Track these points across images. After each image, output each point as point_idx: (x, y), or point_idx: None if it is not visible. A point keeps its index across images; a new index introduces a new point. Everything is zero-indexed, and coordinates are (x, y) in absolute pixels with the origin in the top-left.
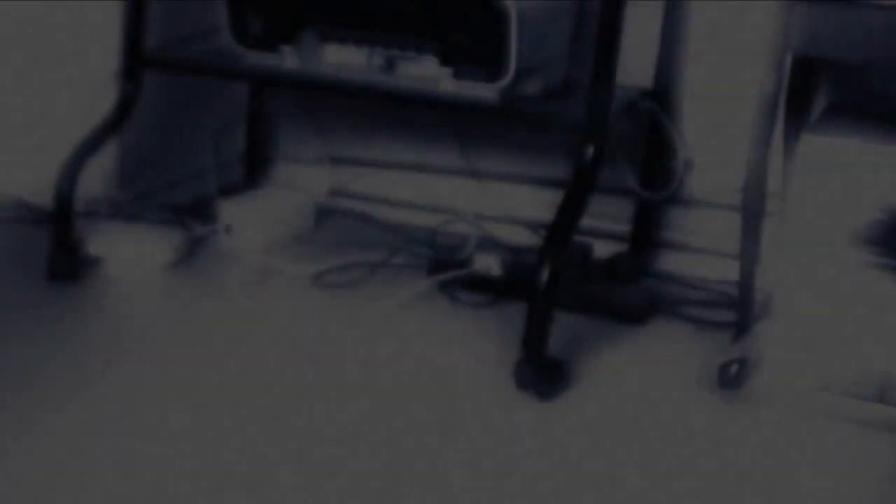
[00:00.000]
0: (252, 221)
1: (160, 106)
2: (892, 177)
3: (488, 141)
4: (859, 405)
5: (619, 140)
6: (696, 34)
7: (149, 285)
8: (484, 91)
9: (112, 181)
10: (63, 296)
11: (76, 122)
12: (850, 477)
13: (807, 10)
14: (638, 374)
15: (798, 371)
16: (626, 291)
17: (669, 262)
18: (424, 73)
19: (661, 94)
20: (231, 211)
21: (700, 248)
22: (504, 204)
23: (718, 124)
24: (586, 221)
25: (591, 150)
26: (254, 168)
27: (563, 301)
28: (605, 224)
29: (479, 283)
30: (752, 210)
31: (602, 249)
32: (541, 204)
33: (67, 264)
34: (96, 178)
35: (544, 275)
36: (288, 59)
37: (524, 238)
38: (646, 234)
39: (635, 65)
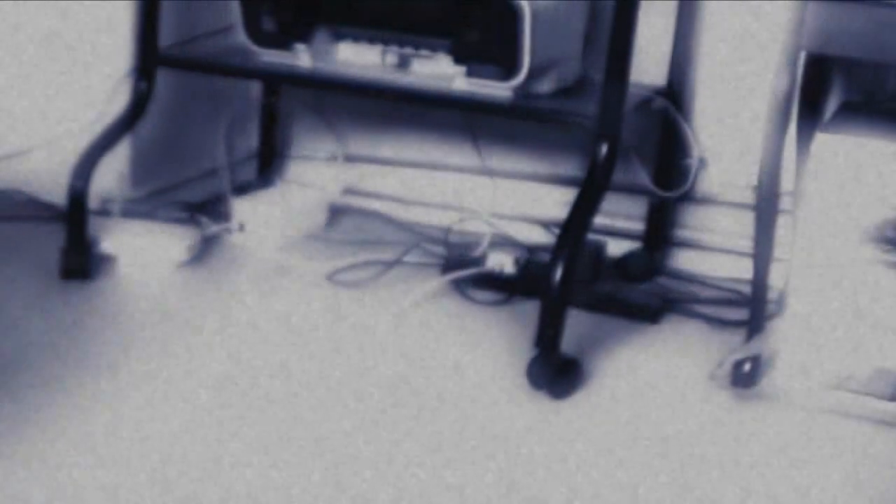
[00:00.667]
0: (265, 219)
1: (174, 104)
2: None
3: (501, 139)
4: (873, 403)
5: (633, 138)
6: (710, 32)
7: (162, 283)
8: (497, 89)
9: (125, 179)
10: (76, 294)
11: (90, 120)
12: (863, 475)
13: (821, 8)
14: (651, 372)
15: (811, 369)
16: (640, 290)
17: (683, 260)
18: (438, 71)
19: (675, 93)
20: (244, 209)
21: (713, 247)
22: (517, 202)
23: (732, 122)
24: (600, 220)
25: (604, 149)
26: (267, 166)
27: (577, 299)
28: (619, 222)
29: (493, 282)
30: (766, 208)
31: (615, 248)
32: (554, 202)
33: (80, 262)
34: (110, 176)
35: (558, 273)
36: (301, 58)
37: (537, 236)
38: (659, 232)
39: (649, 63)
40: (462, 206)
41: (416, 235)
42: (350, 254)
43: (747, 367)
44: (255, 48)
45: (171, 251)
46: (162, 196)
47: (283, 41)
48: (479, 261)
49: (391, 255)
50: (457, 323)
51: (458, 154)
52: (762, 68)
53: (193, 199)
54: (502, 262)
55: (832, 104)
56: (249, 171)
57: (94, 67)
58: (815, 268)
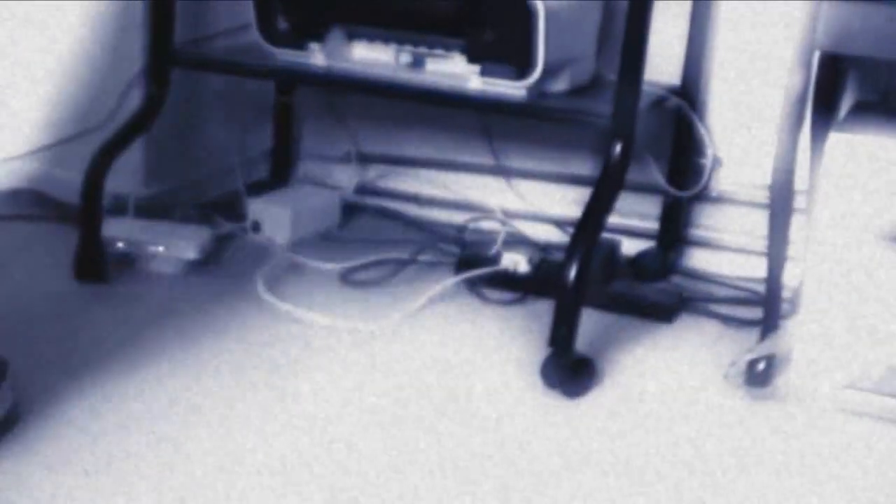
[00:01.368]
0: (279, 218)
1: (187, 103)
2: None
3: (516, 138)
4: (887, 402)
5: (647, 137)
6: (724, 32)
7: (176, 283)
8: (511, 88)
9: (139, 178)
10: (90, 293)
11: (104, 120)
12: (878, 474)
13: (835, 7)
14: (665, 371)
15: (825, 368)
16: (654, 289)
17: (697, 259)
18: (452, 70)
19: (689, 92)
20: (258, 208)
21: (727, 246)
22: (531, 201)
23: (746, 121)
24: (614, 219)
25: (618, 148)
26: (281, 165)
27: (591, 299)
28: (633, 221)
29: (507, 281)
30: (780, 207)
31: (630, 247)
32: (568, 201)
33: (94, 262)
34: (124, 175)
35: (572, 272)
36: (316, 57)
37: (552, 235)
38: (673, 231)
39: (663, 62)
40: (476, 205)
41: (430, 234)
42: (364, 252)
43: (761, 366)
44: (269, 47)
45: (185, 250)
46: (176, 195)
47: (297, 40)
48: (494, 260)
49: (405, 254)
50: (471, 322)
51: (472, 153)
52: (776, 67)
53: (207, 198)
54: (516, 262)
55: (846, 103)
56: (263, 170)
57: (108, 66)
58: (829, 267)
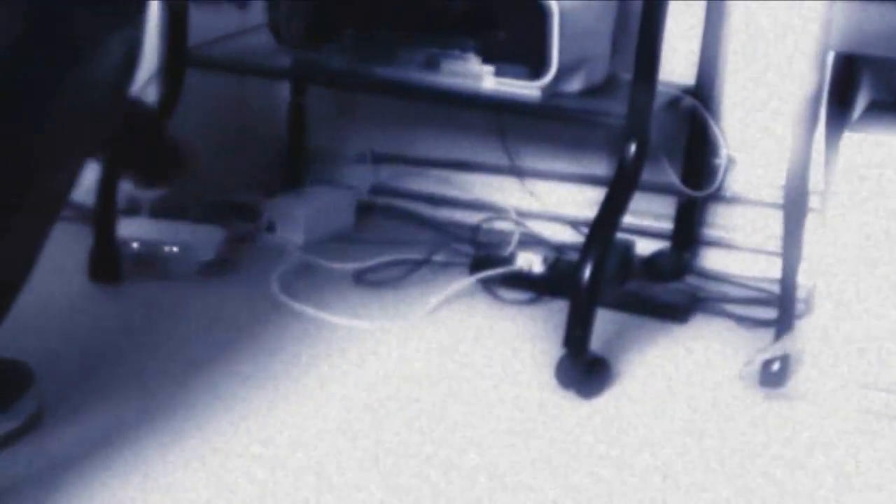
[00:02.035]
0: (294, 219)
1: (201, 103)
2: None
3: (530, 138)
4: None
5: (662, 137)
6: (739, 32)
7: (191, 283)
8: (526, 89)
9: None
10: (104, 294)
11: None
12: (894, 474)
13: (849, 7)
14: (680, 371)
15: (840, 368)
16: (668, 289)
17: (711, 259)
18: (466, 70)
19: (704, 92)
20: (273, 208)
21: (742, 246)
22: (546, 201)
23: (760, 122)
24: (628, 219)
25: (633, 148)
26: (296, 166)
27: (605, 299)
28: (647, 221)
29: (521, 281)
30: (795, 207)
31: (644, 247)
32: (583, 201)
33: (109, 263)
34: None
35: (586, 272)
36: (330, 58)
37: (566, 236)
38: (688, 231)
39: (677, 62)
40: (490, 205)
41: (445, 235)
42: (379, 253)
43: (776, 366)
44: (282, 48)
45: (199, 251)
46: (191, 196)
47: (311, 41)
48: (508, 260)
49: (420, 255)
50: (485, 322)
51: (487, 153)
52: (791, 67)
53: (222, 199)
54: (531, 262)
55: (861, 103)
56: (278, 171)
57: None
58: (843, 267)
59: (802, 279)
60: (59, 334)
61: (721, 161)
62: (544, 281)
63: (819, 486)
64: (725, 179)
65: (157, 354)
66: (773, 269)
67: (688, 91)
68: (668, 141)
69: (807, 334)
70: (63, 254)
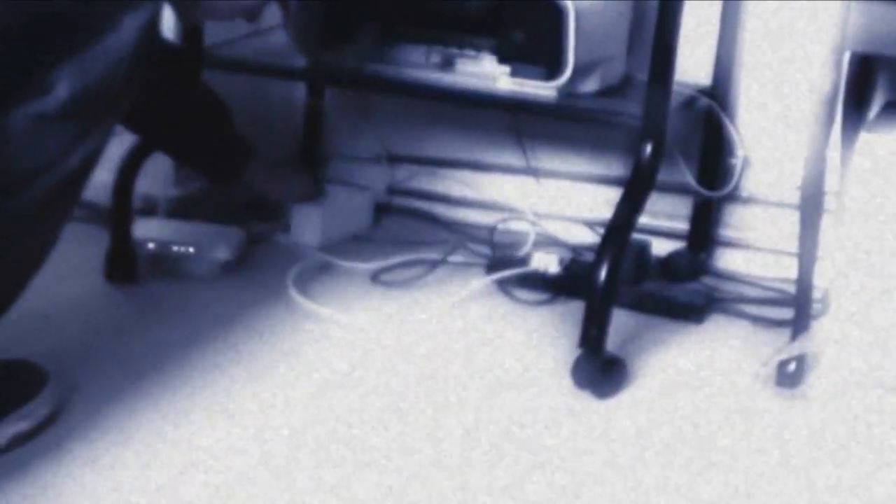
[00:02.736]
0: (311, 219)
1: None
2: None
3: (546, 138)
4: None
5: (677, 138)
6: (755, 32)
7: (207, 284)
8: (541, 89)
9: (170, 179)
10: (120, 295)
11: None
12: None
13: (865, 7)
14: (696, 371)
15: (856, 368)
16: (684, 289)
17: (727, 259)
18: (482, 71)
19: (719, 92)
20: (290, 209)
21: (758, 246)
22: (562, 202)
23: (776, 122)
24: (644, 219)
25: (648, 148)
26: (312, 166)
27: (621, 299)
28: (663, 222)
29: (537, 282)
30: (811, 208)
31: (660, 247)
32: (599, 202)
33: (125, 263)
34: (154, 176)
35: (602, 273)
36: (346, 58)
37: (582, 236)
38: (703, 231)
39: (693, 63)
40: (507, 206)
41: (461, 235)
42: (395, 253)
43: (792, 366)
44: (298, 48)
45: (216, 251)
46: (207, 196)
47: (327, 42)
48: (524, 260)
49: (436, 255)
50: (501, 322)
51: (503, 154)
52: (806, 68)
53: (239, 199)
54: (547, 262)
55: (877, 103)
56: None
57: None
58: (860, 267)
59: (818, 279)
60: (75, 334)
61: (737, 161)
62: (560, 281)
63: (836, 486)
64: (741, 180)
65: (172, 355)
66: (788, 270)
67: (703, 91)
68: (684, 141)
69: (823, 335)
70: (79, 254)
